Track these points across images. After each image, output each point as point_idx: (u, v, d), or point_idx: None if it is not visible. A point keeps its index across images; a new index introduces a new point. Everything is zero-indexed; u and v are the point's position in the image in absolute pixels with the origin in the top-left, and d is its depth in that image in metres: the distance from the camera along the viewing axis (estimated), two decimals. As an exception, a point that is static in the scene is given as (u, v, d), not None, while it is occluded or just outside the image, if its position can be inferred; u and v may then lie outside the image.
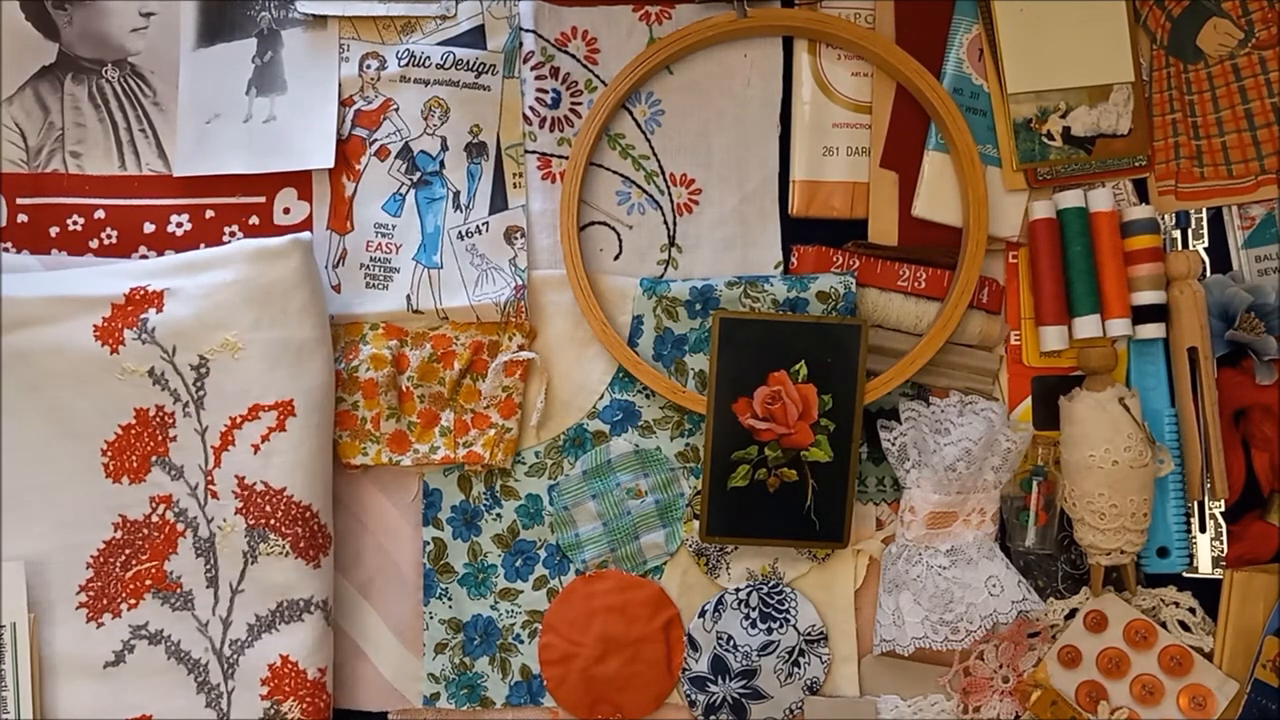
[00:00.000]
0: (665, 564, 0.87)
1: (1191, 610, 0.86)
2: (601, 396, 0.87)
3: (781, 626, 0.85)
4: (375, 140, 0.88)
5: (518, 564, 0.87)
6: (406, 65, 0.88)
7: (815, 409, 0.82)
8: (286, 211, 0.88)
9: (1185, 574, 0.87)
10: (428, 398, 0.86)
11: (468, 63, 0.88)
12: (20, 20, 0.89)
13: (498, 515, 0.87)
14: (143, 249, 0.88)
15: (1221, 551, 0.86)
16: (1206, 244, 0.88)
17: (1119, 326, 0.85)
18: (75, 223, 0.88)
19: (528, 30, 0.89)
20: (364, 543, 0.87)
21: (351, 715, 0.87)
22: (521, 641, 0.86)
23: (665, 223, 0.89)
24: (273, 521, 0.81)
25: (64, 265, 0.87)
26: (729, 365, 0.83)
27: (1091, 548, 0.84)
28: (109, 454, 0.82)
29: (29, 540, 0.82)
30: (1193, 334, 0.85)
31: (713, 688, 0.85)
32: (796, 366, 0.82)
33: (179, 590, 0.82)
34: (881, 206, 0.87)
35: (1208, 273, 0.88)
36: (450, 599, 0.87)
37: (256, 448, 0.81)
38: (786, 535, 0.84)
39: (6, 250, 0.87)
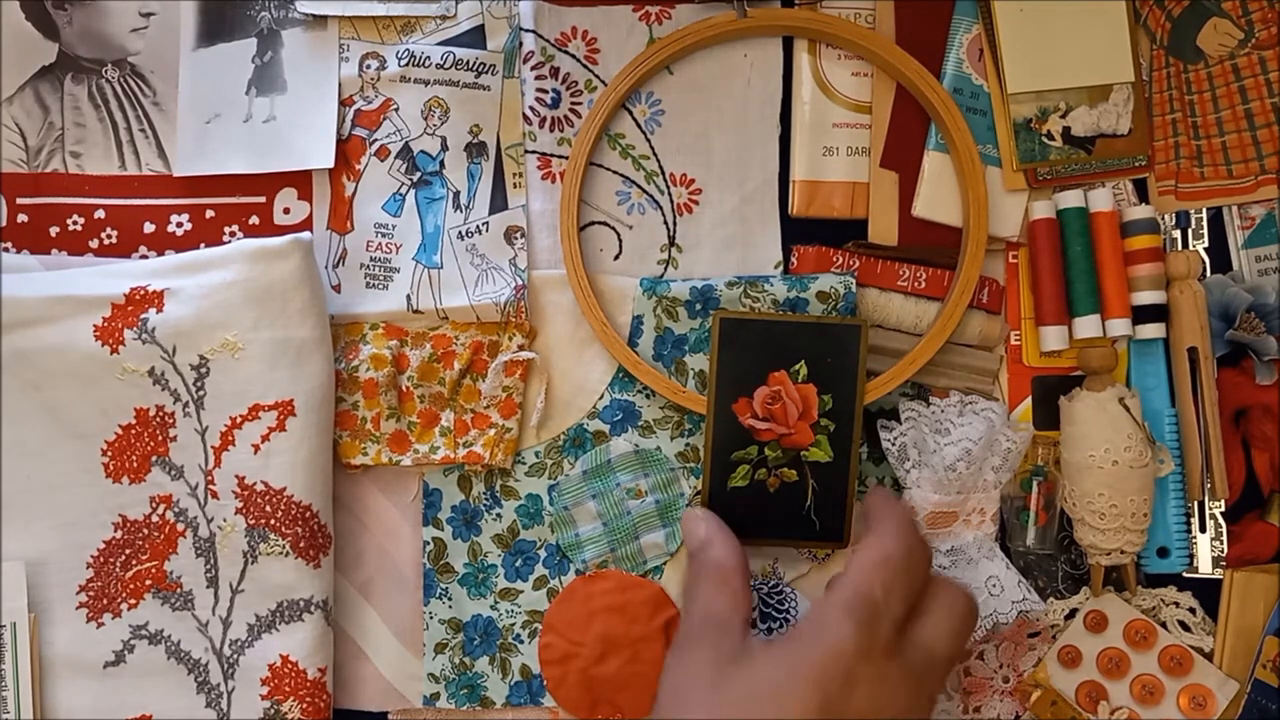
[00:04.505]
0: (665, 564, 0.87)
1: (1191, 610, 0.86)
2: (601, 396, 0.87)
3: (781, 626, 0.85)
4: (375, 140, 0.88)
5: (518, 564, 0.87)
6: (406, 65, 0.88)
7: (815, 409, 0.82)
8: (286, 211, 0.88)
9: (1185, 574, 0.87)
10: (428, 398, 0.86)
11: (468, 63, 0.88)
12: (20, 20, 0.89)
13: (498, 515, 0.87)
14: (143, 249, 0.88)
15: (1221, 551, 0.86)
16: (1206, 244, 0.88)
17: (1119, 326, 0.85)
18: (75, 223, 0.88)
19: (528, 30, 0.89)
20: (364, 543, 0.87)
21: (351, 715, 0.87)
22: (521, 641, 0.86)
23: (665, 223, 0.89)
24: (273, 521, 0.81)
25: (64, 265, 0.87)
26: (729, 365, 0.83)
27: (1091, 548, 0.84)
28: (109, 454, 0.82)
29: (29, 540, 0.82)
30: (1193, 334, 0.85)
31: (713, 688, 0.85)
32: (796, 366, 0.82)
33: (179, 590, 0.82)
34: (881, 206, 0.87)
35: (1208, 273, 0.88)
36: (450, 599, 0.87)
37: (256, 448, 0.81)
38: (786, 535, 0.84)
39: (6, 250, 0.87)
